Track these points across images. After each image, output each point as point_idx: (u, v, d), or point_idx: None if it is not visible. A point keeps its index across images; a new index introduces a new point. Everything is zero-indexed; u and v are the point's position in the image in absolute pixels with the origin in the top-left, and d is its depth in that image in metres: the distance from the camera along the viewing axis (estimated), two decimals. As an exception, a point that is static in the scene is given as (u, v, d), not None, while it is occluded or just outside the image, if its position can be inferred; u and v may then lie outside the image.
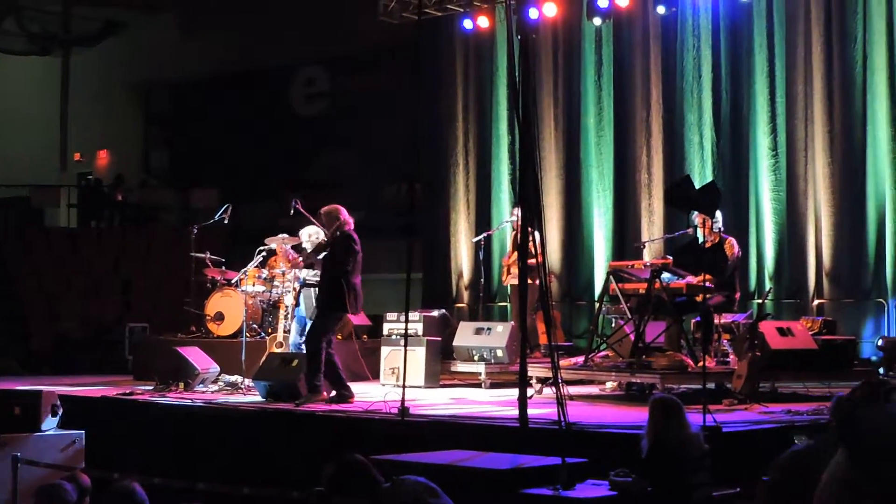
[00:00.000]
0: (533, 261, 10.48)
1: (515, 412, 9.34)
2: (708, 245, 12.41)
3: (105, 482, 7.04)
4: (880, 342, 13.38)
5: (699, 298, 11.89)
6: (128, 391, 13.00)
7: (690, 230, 12.81)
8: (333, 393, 11.67)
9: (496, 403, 11.60)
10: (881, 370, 12.71)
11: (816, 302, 15.37)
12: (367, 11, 19.26)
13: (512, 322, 14.57)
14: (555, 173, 18.02)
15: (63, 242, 23.30)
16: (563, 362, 11.75)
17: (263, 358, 12.97)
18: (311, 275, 13.71)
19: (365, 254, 11.96)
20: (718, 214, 12.32)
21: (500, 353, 13.54)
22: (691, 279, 11.99)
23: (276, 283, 14.36)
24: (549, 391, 11.20)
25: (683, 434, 7.50)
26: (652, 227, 16.89)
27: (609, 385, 12.82)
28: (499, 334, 13.75)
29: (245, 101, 25.36)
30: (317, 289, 13.11)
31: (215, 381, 13.43)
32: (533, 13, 16.96)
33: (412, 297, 10.93)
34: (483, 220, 18.67)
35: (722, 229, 12.62)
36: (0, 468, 9.34)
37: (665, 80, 17.06)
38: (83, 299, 21.09)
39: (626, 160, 17.42)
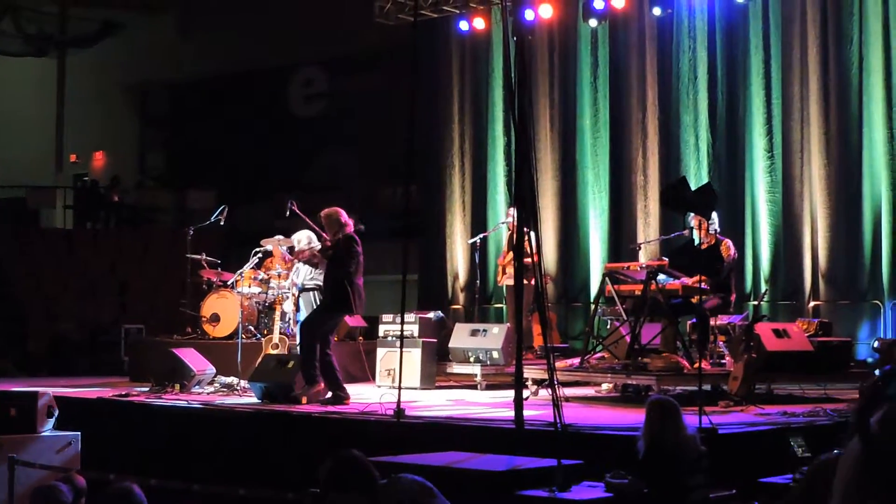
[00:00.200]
0: (528, 260, 10.50)
1: (511, 414, 9.33)
2: (704, 247, 12.42)
3: (101, 484, 7.03)
4: (876, 344, 13.35)
5: (695, 300, 11.90)
6: (124, 392, 12.99)
7: (686, 232, 12.83)
8: (329, 394, 11.67)
9: (492, 405, 11.60)
10: (877, 372, 12.71)
11: (812, 304, 15.38)
12: (364, 13, 19.28)
13: (507, 324, 14.58)
14: (551, 175, 18.03)
15: (59, 244, 23.28)
16: (558, 364, 11.73)
17: (259, 359, 12.98)
18: (309, 279, 13.73)
19: (362, 255, 11.99)
20: (714, 216, 12.32)
21: (495, 354, 13.54)
22: (687, 281, 11.99)
23: (271, 284, 14.37)
24: (544, 393, 11.20)
25: (680, 436, 7.49)
26: (648, 228, 16.89)
27: (605, 387, 12.82)
28: (494, 336, 13.75)
29: (242, 102, 25.37)
30: (316, 292, 13.15)
31: (211, 383, 13.42)
32: (529, 15, 17.01)
33: (408, 299, 10.93)
34: (479, 222, 18.67)
35: (718, 231, 12.63)
36: (-4, 470, 9.33)
37: (661, 82, 17.06)
38: (79, 301, 21.08)
39: (621, 162, 17.43)
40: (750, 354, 10.91)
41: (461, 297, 18.90)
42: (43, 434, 10.32)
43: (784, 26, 15.98)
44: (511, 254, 14.49)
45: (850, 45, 15.39)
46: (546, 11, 17.76)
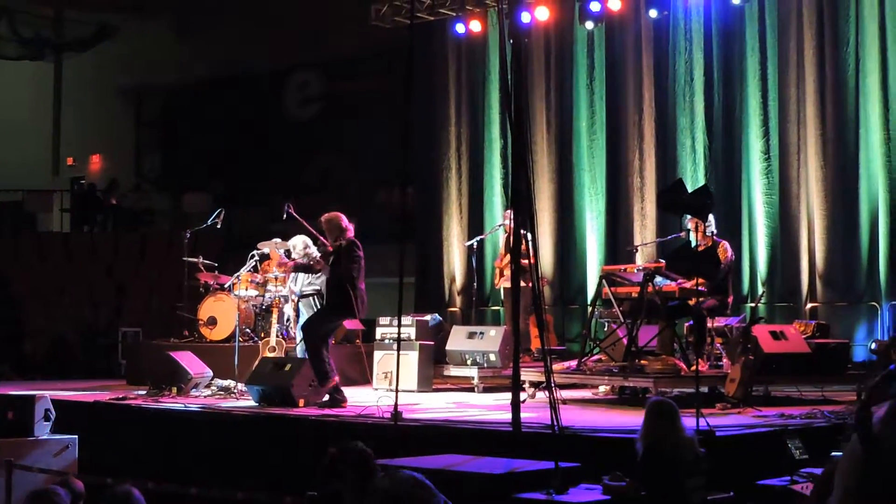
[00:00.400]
0: (525, 262, 10.49)
1: (508, 416, 9.33)
2: (701, 249, 12.41)
3: (98, 487, 7.03)
4: (873, 345, 13.33)
5: (692, 302, 11.90)
6: (121, 396, 12.99)
7: (683, 234, 12.82)
8: (327, 397, 11.67)
9: (489, 407, 11.59)
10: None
11: (809, 305, 15.37)
12: (360, 16, 19.28)
13: (504, 326, 14.59)
14: (547, 177, 18.01)
15: (56, 247, 23.28)
16: (555, 366, 11.77)
17: (256, 362, 12.98)
18: (307, 285, 13.74)
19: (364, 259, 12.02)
20: (711, 218, 12.32)
21: (492, 357, 13.55)
22: (684, 283, 11.99)
23: (268, 287, 14.37)
24: (542, 395, 11.20)
25: (678, 438, 7.48)
26: (644, 230, 16.88)
27: (602, 389, 12.82)
28: (491, 338, 13.76)
29: (238, 104, 25.34)
30: (315, 296, 13.17)
31: (208, 386, 13.42)
32: (525, 17, 17.00)
33: (405, 302, 10.93)
34: (475, 224, 18.66)
35: (715, 233, 12.62)
36: (-7, 474, 9.32)
37: (657, 84, 17.06)
38: (76, 304, 21.07)
39: (618, 164, 17.42)
40: (747, 356, 10.90)
41: (458, 299, 18.89)
42: (40, 437, 10.32)
43: (780, 28, 15.97)
44: (508, 256, 14.48)
45: (846, 47, 15.38)
46: (542, 14, 17.77)
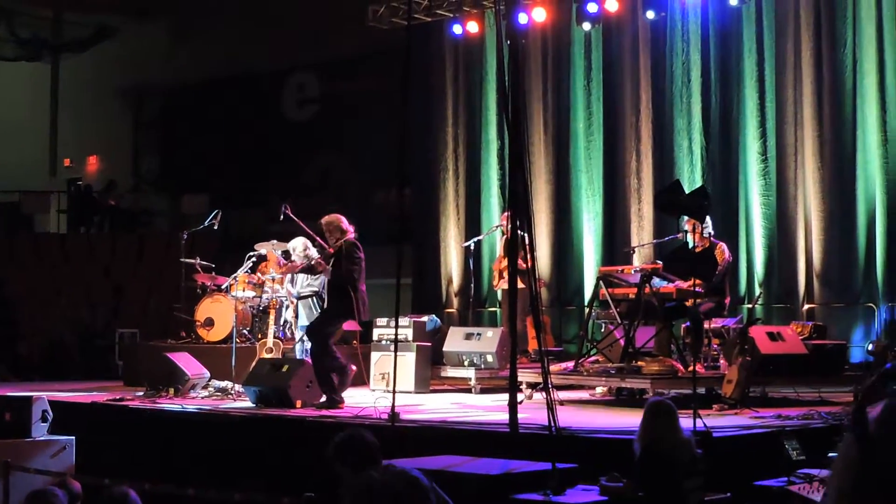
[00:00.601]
0: (523, 263, 10.50)
1: (505, 417, 9.34)
2: (698, 250, 12.42)
3: (96, 488, 7.03)
4: (870, 347, 13.37)
5: (689, 303, 11.91)
6: (118, 397, 12.99)
7: (680, 235, 12.83)
8: (324, 398, 11.67)
9: (486, 409, 11.60)
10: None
11: (807, 306, 15.38)
12: (358, 17, 19.28)
13: (502, 327, 14.58)
14: (544, 178, 18.01)
15: (53, 248, 23.25)
16: (553, 367, 11.77)
17: (253, 363, 12.97)
18: (305, 286, 13.75)
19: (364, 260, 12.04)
20: (708, 219, 12.33)
21: (490, 358, 13.55)
22: (681, 284, 12.00)
23: (266, 288, 14.37)
24: (539, 396, 11.20)
25: (676, 438, 7.49)
26: (642, 231, 16.88)
27: (599, 390, 12.81)
28: (489, 339, 13.76)
29: (236, 106, 25.33)
30: (314, 297, 13.16)
31: (205, 387, 13.42)
32: (522, 18, 16.99)
33: (402, 303, 10.93)
34: (473, 226, 18.66)
35: (712, 234, 12.63)
36: (-10, 475, 9.32)
37: (654, 85, 17.06)
38: (73, 305, 21.06)
39: (615, 165, 17.42)
40: (744, 357, 10.91)
41: (455, 300, 18.89)
42: (37, 439, 10.32)
43: (778, 30, 15.97)
44: (506, 258, 14.49)
45: (843, 48, 15.39)
46: (539, 15, 17.78)
